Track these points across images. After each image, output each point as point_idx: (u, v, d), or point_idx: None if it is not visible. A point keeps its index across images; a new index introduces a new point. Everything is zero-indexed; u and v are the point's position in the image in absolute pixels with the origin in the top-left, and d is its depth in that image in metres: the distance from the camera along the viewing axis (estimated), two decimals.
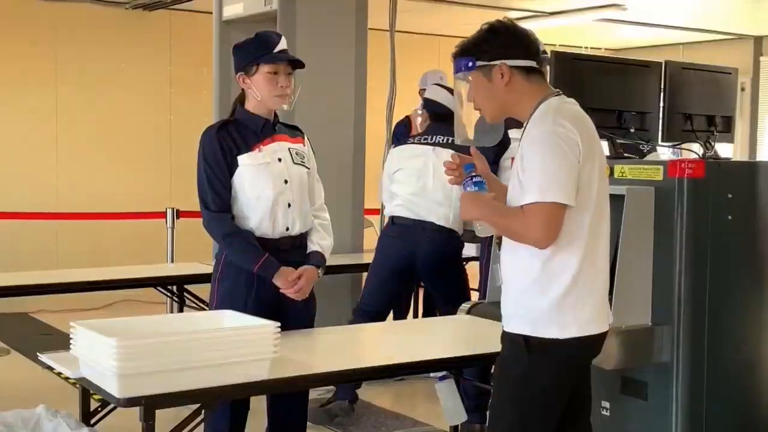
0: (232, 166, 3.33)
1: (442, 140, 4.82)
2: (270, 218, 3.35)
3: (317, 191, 3.58)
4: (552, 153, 2.50)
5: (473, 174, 2.66)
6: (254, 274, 3.31)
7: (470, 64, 2.65)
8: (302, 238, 3.46)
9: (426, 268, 4.87)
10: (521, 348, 2.59)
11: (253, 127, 3.38)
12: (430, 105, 5.09)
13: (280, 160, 3.39)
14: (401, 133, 6.08)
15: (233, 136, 3.35)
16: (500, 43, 2.64)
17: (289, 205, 3.38)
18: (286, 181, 3.38)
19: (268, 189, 3.33)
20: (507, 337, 2.68)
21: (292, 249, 3.40)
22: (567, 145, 2.50)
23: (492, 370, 2.92)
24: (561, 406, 2.64)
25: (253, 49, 3.37)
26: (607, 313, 2.69)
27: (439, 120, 4.93)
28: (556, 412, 2.64)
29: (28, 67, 8.01)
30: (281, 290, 3.32)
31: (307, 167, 3.48)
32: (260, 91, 3.34)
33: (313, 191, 3.54)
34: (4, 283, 4.53)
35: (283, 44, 3.38)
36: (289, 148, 3.44)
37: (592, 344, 2.65)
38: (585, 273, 2.56)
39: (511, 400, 2.64)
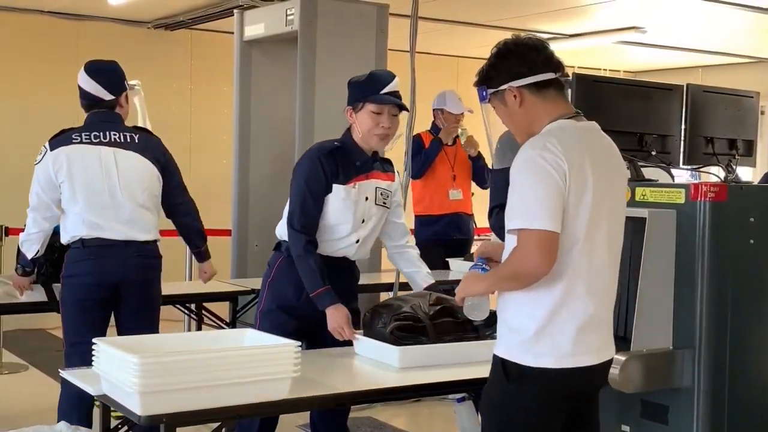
0: (328, 190, 3.46)
1: None
2: (337, 247, 3.51)
3: (401, 225, 3.73)
4: (539, 178, 2.43)
5: (483, 266, 2.66)
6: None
7: (484, 93, 2.64)
8: (355, 264, 3.63)
9: None
10: (500, 374, 2.54)
11: (354, 159, 3.50)
12: None
13: (366, 199, 3.51)
14: (414, 151, 6.00)
15: (336, 160, 3.47)
16: (506, 66, 2.59)
17: (358, 241, 3.53)
18: (363, 221, 3.52)
19: (346, 225, 3.48)
20: (492, 361, 2.61)
21: (342, 271, 3.55)
22: (554, 171, 2.42)
23: None
24: None
25: (364, 86, 3.49)
26: (600, 345, 2.58)
27: None
28: None
29: (50, 85, 8.07)
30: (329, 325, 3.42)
31: (387, 208, 3.60)
32: (362, 128, 3.47)
33: (396, 226, 3.70)
34: (21, 299, 4.54)
35: (394, 85, 3.48)
36: (376, 188, 3.55)
37: (578, 376, 2.52)
38: (569, 302, 2.48)
39: (493, 425, 2.59)
